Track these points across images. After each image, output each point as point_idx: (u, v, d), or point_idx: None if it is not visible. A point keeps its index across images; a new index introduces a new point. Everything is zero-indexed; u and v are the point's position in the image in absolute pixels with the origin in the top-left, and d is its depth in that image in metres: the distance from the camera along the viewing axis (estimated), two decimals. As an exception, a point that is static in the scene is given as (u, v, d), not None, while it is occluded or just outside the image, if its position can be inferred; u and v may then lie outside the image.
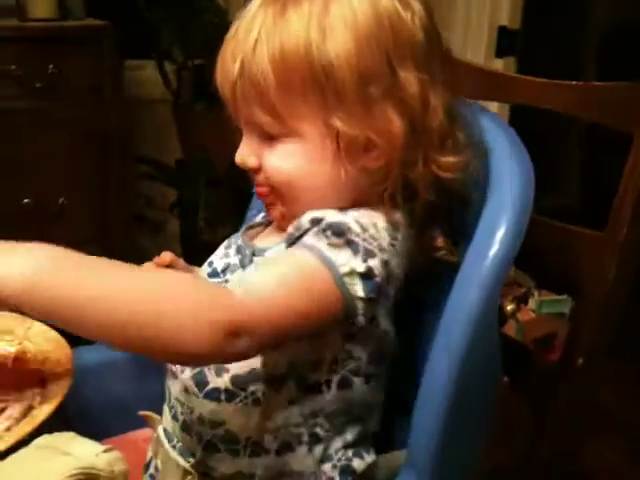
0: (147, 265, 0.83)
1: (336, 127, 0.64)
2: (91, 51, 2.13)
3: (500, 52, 1.89)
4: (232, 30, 0.67)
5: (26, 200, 2.13)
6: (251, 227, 0.80)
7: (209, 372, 0.69)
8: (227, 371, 0.68)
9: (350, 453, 0.72)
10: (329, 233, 0.63)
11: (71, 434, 0.54)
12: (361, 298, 0.63)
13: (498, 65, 1.88)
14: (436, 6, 1.96)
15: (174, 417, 0.74)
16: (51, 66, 2.05)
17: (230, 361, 0.63)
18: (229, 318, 0.57)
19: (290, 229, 0.67)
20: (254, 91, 0.65)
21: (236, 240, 0.77)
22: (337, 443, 0.71)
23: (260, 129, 0.68)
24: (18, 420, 0.57)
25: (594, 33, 3.14)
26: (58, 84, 2.08)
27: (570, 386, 0.74)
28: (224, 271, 0.74)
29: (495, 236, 0.64)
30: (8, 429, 0.56)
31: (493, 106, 1.33)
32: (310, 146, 0.66)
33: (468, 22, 1.87)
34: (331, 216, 0.64)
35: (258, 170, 0.70)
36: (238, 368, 0.68)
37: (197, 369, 0.70)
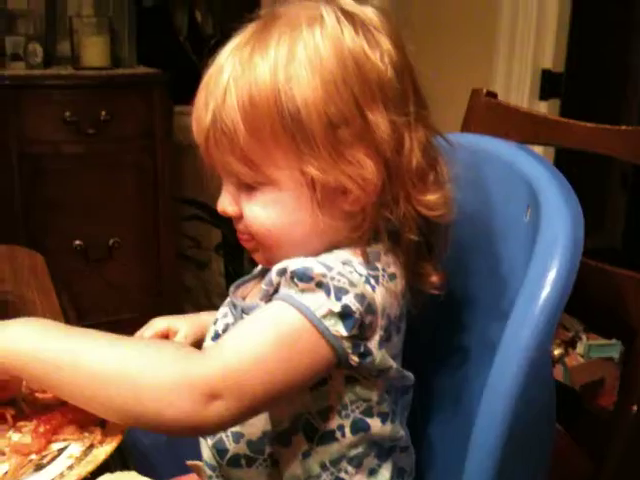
0: (141, 334, 0.86)
1: (310, 174, 0.64)
2: (142, 97, 2.21)
3: (544, 95, 1.89)
4: (205, 78, 0.67)
5: (77, 241, 2.19)
6: (242, 283, 0.79)
7: (227, 439, 0.69)
8: (243, 436, 0.69)
9: None
10: (297, 280, 0.62)
11: (133, 473, 0.55)
12: (345, 337, 0.62)
13: (541, 108, 1.88)
14: (479, 49, 1.97)
15: (209, 478, 0.75)
16: (103, 112, 2.14)
17: (215, 427, 0.62)
18: (203, 381, 0.58)
19: (263, 286, 0.67)
20: (226, 140, 0.64)
21: (231, 298, 0.77)
22: None
23: (236, 177, 0.67)
24: (79, 459, 0.58)
25: (638, 76, 3.13)
26: (110, 130, 2.16)
27: (626, 434, 0.73)
28: (224, 332, 0.74)
29: (547, 278, 0.64)
30: (70, 468, 0.57)
31: (538, 148, 1.34)
32: (287, 195, 0.65)
33: (511, 65, 1.89)
34: (294, 263, 0.63)
35: (239, 218, 0.69)
36: (251, 432, 0.68)
37: (216, 437, 0.70)
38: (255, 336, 0.61)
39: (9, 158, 2.09)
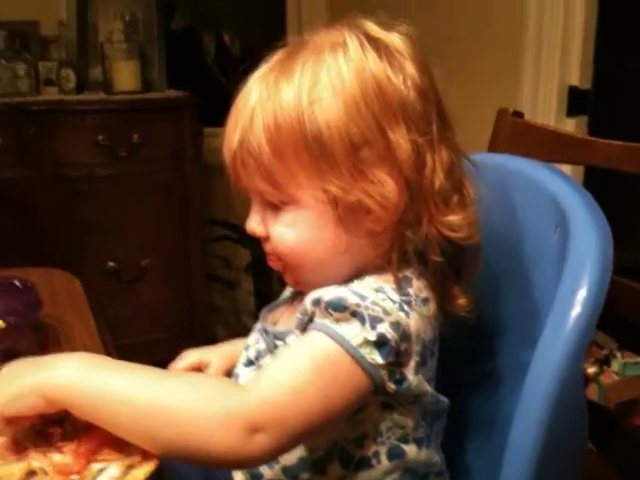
0: (174, 367, 0.87)
1: (332, 192, 0.65)
2: (172, 120, 2.25)
3: (571, 112, 1.89)
4: (235, 103, 0.69)
5: (111, 263, 2.23)
6: (272, 308, 0.80)
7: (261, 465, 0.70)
8: (277, 462, 0.69)
9: None
10: (331, 310, 0.63)
11: (171, 493, 0.57)
12: (381, 365, 0.63)
13: (569, 125, 1.88)
14: (505, 67, 1.97)
15: None
16: (135, 135, 2.18)
17: (258, 460, 0.63)
18: (244, 415, 0.59)
19: (298, 314, 0.68)
20: (252, 160, 0.67)
21: (261, 324, 0.78)
22: None
23: (263, 197, 0.69)
24: (119, 479, 0.59)
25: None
26: (141, 152, 2.20)
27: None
28: (257, 358, 0.76)
29: (576, 297, 0.64)
30: (110, 488, 0.59)
31: (566, 167, 1.34)
32: (310, 213, 0.67)
33: (537, 82, 1.89)
34: (328, 293, 0.65)
35: (266, 239, 0.71)
36: (287, 458, 0.68)
37: None
38: (292, 367, 0.62)
39: (45, 181, 2.14)
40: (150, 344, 2.22)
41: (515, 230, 0.79)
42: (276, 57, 0.69)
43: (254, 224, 0.71)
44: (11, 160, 2.10)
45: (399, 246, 0.68)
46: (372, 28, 0.69)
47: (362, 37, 0.67)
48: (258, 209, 0.70)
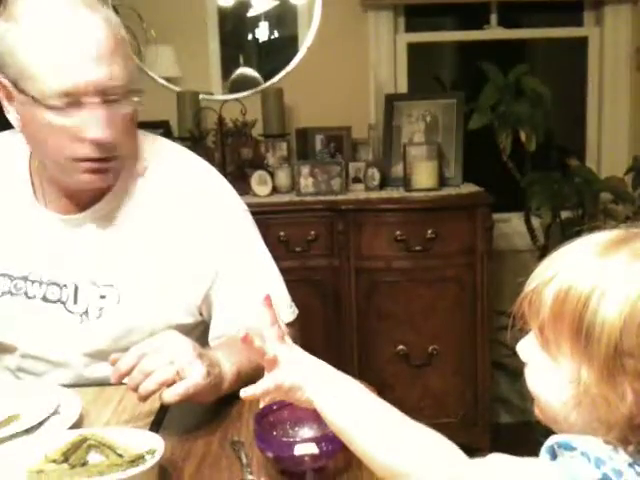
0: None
1: (581, 377, 0.69)
2: (465, 216, 2.38)
3: None
4: (549, 256, 0.76)
5: (401, 347, 2.40)
6: None
7: None
8: None
9: None
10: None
11: None
12: None
13: None
14: None
15: None
16: (429, 231, 2.34)
17: None
18: None
19: None
20: (534, 308, 0.74)
21: None
22: None
23: (535, 336, 0.75)
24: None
25: None
26: (434, 247, 2.36)
27: None
28: None
29: None
30: None
31: None
32: (557, 377, 0.71)
33: None
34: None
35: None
36: None
37: None
38: None
39: (348, 270, 2.39)
40: (434, 428, 2.32)
41: None
42: (591, 239, 0.75)
43: (521, 348, 0.77)
44: (321, 250, 2.38)
45: (629, 434, 0.69)
46: None
47: None
48: (531, 338, 0.76)
